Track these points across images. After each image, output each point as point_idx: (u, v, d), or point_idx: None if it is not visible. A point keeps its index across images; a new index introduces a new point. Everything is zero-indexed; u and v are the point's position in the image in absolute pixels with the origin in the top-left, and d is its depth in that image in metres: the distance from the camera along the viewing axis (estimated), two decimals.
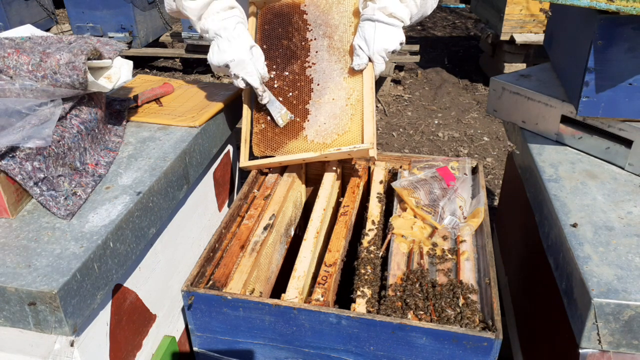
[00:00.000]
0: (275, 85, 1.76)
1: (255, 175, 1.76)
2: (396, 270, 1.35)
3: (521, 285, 1.86)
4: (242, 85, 1.67)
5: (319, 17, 1.80)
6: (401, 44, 1.63)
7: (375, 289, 1.32)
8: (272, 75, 1.77)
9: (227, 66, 1.64)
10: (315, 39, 1.78)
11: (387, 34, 1.61)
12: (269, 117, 1.73)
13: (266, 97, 1.70)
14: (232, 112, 1.96)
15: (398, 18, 1.62)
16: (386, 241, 1.49)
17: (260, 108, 1.76)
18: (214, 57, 1.65)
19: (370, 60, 1.65)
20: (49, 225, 1.24)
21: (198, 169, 1.70)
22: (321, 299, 1.27)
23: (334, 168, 1.79)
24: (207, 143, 1.75)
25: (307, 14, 1.81)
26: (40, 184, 1.27)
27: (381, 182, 1.75)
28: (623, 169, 1.52)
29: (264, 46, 1.81)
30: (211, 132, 1.78)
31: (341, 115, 1.65)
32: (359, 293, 1.29)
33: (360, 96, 1.66)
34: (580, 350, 1.14)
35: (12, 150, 1.22)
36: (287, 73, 1.77)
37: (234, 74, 1.65)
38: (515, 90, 1.78)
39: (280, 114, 1.71)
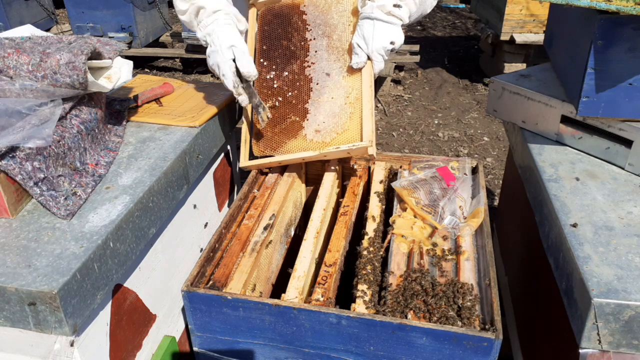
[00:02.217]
0: (275, 85, 1.76)
1: (255, 175, 1.76)
2: (396, 270, 1.35)
3: (521, 285, 1.86)
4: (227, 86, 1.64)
5: (318, 17, 1.80)
6: (393, 43, 1.62)
7: (375, 289, 1.32)
8: (271, 76, 1.78)
9: (213, 69, 1.67)
10: (314, 39, 1.78)
11: (386, 32, 1.61)
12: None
13: (244, 100, 1.66)
14: (232, 112, 1.96)
15: (397, 16, 1.62)
16: (386, 241, 1.49)
17: None
18: (207, 61, 1.69)
19: (369, 58, 1.65)
20: (49, 225, 1.24)
21: (198, 169, 1.70)
22: (321, 299, 1.27)
23: (334, 168, 1.79)
24: (207, 143, 1.75)
25: (306, 14, 1.81)
26: (40, 184, 1.27)
27: (381, 182, 1.75)
28: (623, 169, 1.52)
29: (264, 47, 1.81)
30: (211, 132, 1.78)
31: (340, 114, 1.65)
32: (359, 293, 1.30)
33: (359, 94, 1.66)
34: (580, 350, 1.14)
35: (12, 150, 1.22)
36: (286, 73, 1.77)
37: (220, 77, 1.66)
38: (515, 90, 1.78)
39: (261, 114, 1.68)
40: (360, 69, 1.67)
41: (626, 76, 1.38)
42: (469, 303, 1.23)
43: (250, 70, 1.60)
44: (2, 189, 1.23)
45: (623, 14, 1.25)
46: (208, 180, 1.89)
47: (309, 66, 1.75)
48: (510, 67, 4.89)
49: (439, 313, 1.21)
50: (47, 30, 5.61)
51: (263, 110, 1.68)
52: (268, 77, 1.78)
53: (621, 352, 1.13)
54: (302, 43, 1.79)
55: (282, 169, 1.79)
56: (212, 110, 1.80)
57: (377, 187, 1.72)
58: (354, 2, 1.76)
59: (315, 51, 1.76)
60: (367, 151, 1.58)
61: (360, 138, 1.60)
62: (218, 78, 1.70)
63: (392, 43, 1.62)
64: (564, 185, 1.45)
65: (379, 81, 4.88)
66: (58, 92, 1.32)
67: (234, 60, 1.60)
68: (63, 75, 1.30)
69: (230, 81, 1.61)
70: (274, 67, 1.79)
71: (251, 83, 1.65)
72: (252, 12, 1.89)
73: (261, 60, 1.81)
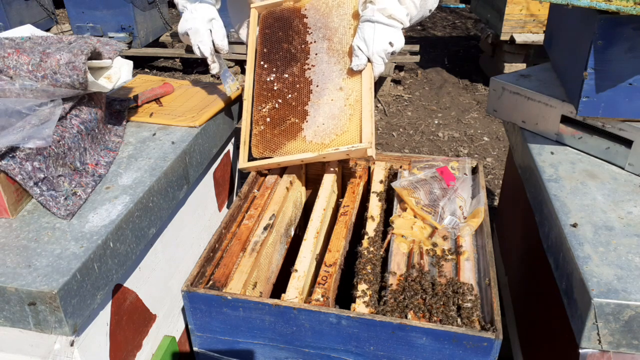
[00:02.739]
0: (275, 88, 1.77)
1: (255, 175, 1.76)
2: (396, 270, 1.35)
3: (521, 285, 1.86)
4: (198, 53, 1.75)
5: (319, 21, 1.81)
6: (393, 45, 1.63)
7: (375, 289, 1.32)
8: (272, 78, 1.78)
9: (187, 34, 1.74)
10: (315, 42, 1.78)
11: (386, 35, 1.61)
12: (268, 119, 1.73)
13: (215, 67, 1.79)
14: (232, 112, 1.96)
15: (397, 19, 1.62)
16: (386, 241, 1.49)
17: (260, 110, 1.76)
18: (179, 27, 1.78)
19: (369, 61, 1.65)
20: (49, 225, 1.24)
21: (198, 169, 1.70)
22: (321, 299, 1.27)
23: (334, 168, 1.79)
24: (207, 143, 1.75)
25: (307, 18, 1.82)
26: (40, 184, 1.27)
27: (381, 182, 1.75)
28: (623, 169, 1.52)
29: (265, 50, 1.82)
30: (211, 132, 1.78)
31: (340, 116, 1.65)
32: (359, 293, 1.30)
33: (359, 96, 1.66)
34: (580, 350, 1.14)
35: (12, 150, 1.22)
36: (286, 75, 1.77)
37: (192, 43, 1.74)
38: (515, 90, 1.78)
39: (229, 84, 1.83)
40: (360, 71, 1.68)
41: (626, 76, 1.38)
42: (469, 303, 1.23)
43: (224, 44, 1.76)
44: (2, 189, 1.23)
45: (623, 14, 1.25)
46: (208, 180, 1.89)
47: (309, 69, 1.76)
48: (510, 67, 4.89)
49: (439, 313, 1.21)
50: (47, 30, 5.61)
51: (232, 81, 1.83)
52: (268, 79, 1.78)
53: (621, 352, 1.13)
54: (303, 46, 1.79)
55: (282, 169, 1.79)
56: (212, 110, 1.80)
57: (377, 187, 1.72)
58: (355, 6, 1.76)
59: (316, 54, 1.77)
60: (366, 152, 1.58)
61: (360, 139, 1.60)
62: (218, 77, 1.78)
63: (392, 46, 1.62)
64: (564, 185, 1.45)
65: (379, 81, 4.88)
66: (58, 92, 1.32)
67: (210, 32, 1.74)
68: (63, 75, 1.30)
69: (208, 48, 1.73)
70: (274, 69, 1.79)
71: (221, 55, 1.81)
72: (254, 14, 1.89)
73: (262, 62, 1.81)
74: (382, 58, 1.64)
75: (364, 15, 1.64)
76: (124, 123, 1.69)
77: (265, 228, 1.52)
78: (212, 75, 5.41)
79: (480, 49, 5.78)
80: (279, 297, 1.28)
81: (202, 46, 1.72)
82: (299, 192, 1.84)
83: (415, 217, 1.54)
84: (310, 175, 1.93)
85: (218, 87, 2.00)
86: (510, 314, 1.98)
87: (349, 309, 1.24)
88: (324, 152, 1.61)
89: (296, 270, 1.37)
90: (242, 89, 1.86)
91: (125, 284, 1.36)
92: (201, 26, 1.70)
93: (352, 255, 1.49)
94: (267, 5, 1.87)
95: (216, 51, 1.76)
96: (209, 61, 1.76)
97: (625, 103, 1.42)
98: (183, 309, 1.70)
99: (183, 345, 1.72)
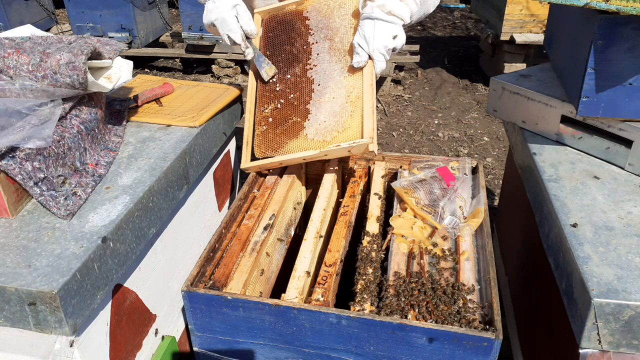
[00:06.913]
0: (277, 89, 1.77)
1: (255, 175, 1.76)
2: (396, 270, 1.35)
3: (521, 285, 1.87)
4: (228, 42, 1.75)
5: (320, 22, 1.82)
6: (394, 38, 1.63)
7: (375, 289, 1.32)
8: (274, 79, 1.79)
9: (214, 25, 1.74)
10: (316, 42, 1.79)
11: (386, 31, 1.61)
12: (270, 119, 1.73)
13: (249, 53, 1.78)
14: (232, 112, 1.96)
15: (397, 16, 1.62)
16: (386, 241, 1.49)
17: (262, 110, 1.76)
18: (204, 18, 1.77)
19: (370, 58, 1.65)
20: (49, 225, 1.24)
21: (198, 169, 1.70)
22: (321, 299, 1.27)
23: (334, 168, 1.79)
24: (207, 143, 1.75)
25: (309, 20, 1.83)
26: (40, 184, 1.27)
27: (381, 182, 1.75)
28: (623, 169, 1.52)
29: (268, 53, 1.83)
30: (211, 132, 1.78)
31: (341, 113, 1.65)
32: (359, 293, 1.29)
33: (360, 93, 1.66)
34: (580, 350, 1.14)
35: (12, 150, 1.22)
36: (289, 76, 1.78)
37: (221, 33, 1.74)
38: (515, 90, 1.78)
39: (265, 69, 1.78)
40: (361, 68, 1.68)
41: (626, 76, 1.38)
42: (469, 303, 1.23)
43: (252, 28, 1.74)
44: (2, 189, 1.23)
45: (623, 14, 1.25)
46: (208, 180, 1.89)
47: (311, 68, 1.76)
48: (510, 67, 4.89)
49: (439, 313, 1.21)
50: (47, 30, 5.61)
51: (267, 65, 1.79)
52: (271, 81, 1.79)
53: (621, 352, 1.13)
54: (305, 47, 1.80)
55: (282, 169, 1.80)
56: (212, 110, 1.80)
57: (377, 187, 1.72)
58: (356, 5, 1.77)
59: (317, 54, 1.77)
60: (368, 147, 1.57)
61: (361, 135, 1.60)
62: (218, 77, 1.75)
63: (393, 41, 1.62)
64: (564, 185, 1.45)
65: (379, 81, 4.88)
66: (58, 92, 1.32)
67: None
68: (63, 75, 1.30)
69: (239, 35, 1.72)
70: (276, 71, 1.80)
71: (252, 40, 1.79)
72: (257, 19, 1.91)
73: None
74: (383, 54, 1.64)
75: (363, 12, 1.65)
76: (124, 123, 1.69)
77: (265, 228, 1.52)
78: (213, 76, 5.41)
79: (480, 49, 5.78)
80: (279, 297, 1.28)
81: (232, 34, 1.71)
82: (299, 192, 1.84)
83: (415, 217, 1.54)
84: (310, 175, 1.93)
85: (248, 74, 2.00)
86: (510, 314, 1.98)
87: (349, 309, 1.24)
88: (326, 150, 1.61)
89: (296, 270, 1.37)
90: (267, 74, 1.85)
91: (125, 284, 1.36)
92: (227, 14, 1.70)
93: (352, 255, 1.49)
94: (270, 10, 1.89)
95: (246, 37, 1.75)
96: (242, 48, 1.75)
97: (625, 103, 1.42)
98: (183, 309, 1.70)
99: (183, 345, 1.72)
